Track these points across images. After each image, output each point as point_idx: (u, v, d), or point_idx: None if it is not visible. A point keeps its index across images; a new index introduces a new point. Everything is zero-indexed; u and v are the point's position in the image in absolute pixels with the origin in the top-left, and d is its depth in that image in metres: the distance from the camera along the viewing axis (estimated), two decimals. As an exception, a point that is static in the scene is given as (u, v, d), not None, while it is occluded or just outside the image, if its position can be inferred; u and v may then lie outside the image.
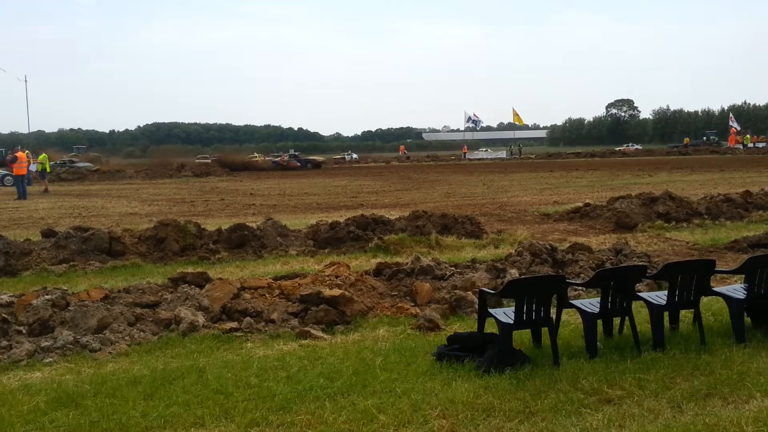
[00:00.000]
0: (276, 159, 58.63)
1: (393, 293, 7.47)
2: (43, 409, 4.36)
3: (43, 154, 30.54)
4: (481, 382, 4.70)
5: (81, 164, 48.12)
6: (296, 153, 63.89)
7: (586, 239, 11.23)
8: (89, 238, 10.26)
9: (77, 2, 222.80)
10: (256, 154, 64.53)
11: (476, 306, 6.24)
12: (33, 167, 28.72)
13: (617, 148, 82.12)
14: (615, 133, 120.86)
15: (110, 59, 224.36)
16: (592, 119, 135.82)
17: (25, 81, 70.04)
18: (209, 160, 55.83)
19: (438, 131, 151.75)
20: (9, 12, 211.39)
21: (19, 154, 25.10)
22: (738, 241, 10.53)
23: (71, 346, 5.70)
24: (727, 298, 5.79)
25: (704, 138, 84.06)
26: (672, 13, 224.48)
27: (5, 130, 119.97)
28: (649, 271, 6.09)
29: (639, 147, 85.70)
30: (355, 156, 78.03)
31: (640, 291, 6.35)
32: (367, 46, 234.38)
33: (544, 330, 5.38)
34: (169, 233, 10.64)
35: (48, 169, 30.05)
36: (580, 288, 7.24)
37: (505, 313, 5.30)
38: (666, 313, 5.73)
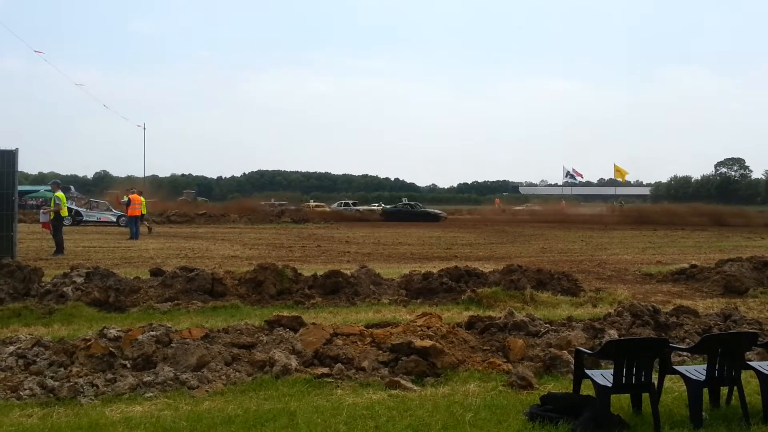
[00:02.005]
0: None
1: (485, 347, 7.35)
2: (142, 442, 4.55)
3: (141, 198, 32.52)
4: (576, 446, 4.52)
5: (359, 207, 58.48)
6: None
7: (691, 302, 10.66)
8: (194, 278, 10.74)
9: (198, 55, 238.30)
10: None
11: (572, 366, 6.04)
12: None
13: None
14: (725, 192, 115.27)
15: (221, 109, 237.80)
16: (699, 177, 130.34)
17: (144, 128, 74.91)
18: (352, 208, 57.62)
19: (535, 185, 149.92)
20: (130, 61, 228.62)
21: (133, 196, 26.65)
22: None
23: (171, 382, 5.93)
24: None
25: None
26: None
27: (123, 174, 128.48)
28: (760, 339, 5.72)
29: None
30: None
31: (750, 360, 5.96)
32: (466, 100, 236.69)
33: (645, 396, 5.13)
34: (267, 277, 10.98)
35: (144, 212, 31.72)
36: (684, 353, 6.86)
37: (603, 375, 5.10)
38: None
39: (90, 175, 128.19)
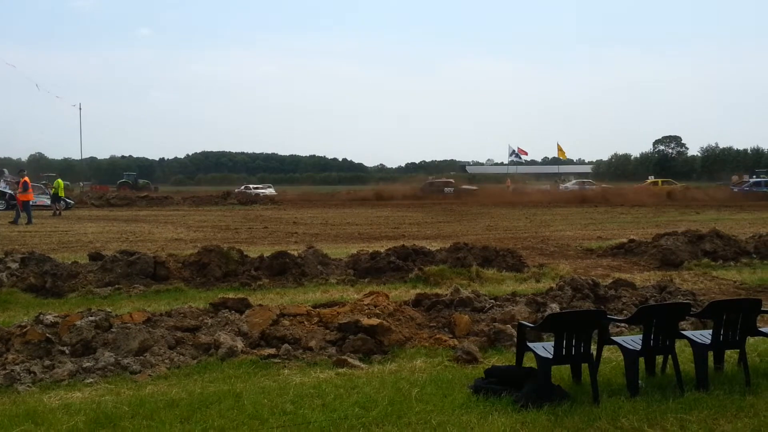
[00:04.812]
0: None
1: (431, 324, 7.43)
2: (81, 429, 4.44)
3: (58, 180, 31.76)
4: (519, 416, 4.63)
5: (266, 190, 54.94)
6: None
7: (629, 275, 11.00)
8: (135, 262, 10.50)
9: (133, 33, 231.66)
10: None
11: (515, 340, 6.16)
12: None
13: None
14: (662, 169, 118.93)
15: (162, 89, 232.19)
16: (639, 155, 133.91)
17: (80, 108, 72.11)
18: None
19: (482, 164, 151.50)
20: (65, 39, 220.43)
21: (27, 179, 25.71)
22: (789, 281, 10.21)
23: (112, 367, 5.81)
24: (775, 339, 5.61)
25: (754, 176, 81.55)
26: (721, 49, 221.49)
27: (59, 156, 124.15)
28: (693, 309, 5.94)
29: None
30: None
31: (684, 329, 6.19)
32: (414, 80, 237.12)
33: (584, 366, 5.27)
34: (212, 259, 10.82)
35: (61, 194, 31.02)
36: (622, 324, 7.09)
37: (545, 348, 5.22)
38: (711, 353, 5.57)
39: (24, 157, 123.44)
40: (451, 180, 56.64)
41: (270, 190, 56.40)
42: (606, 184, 62.33)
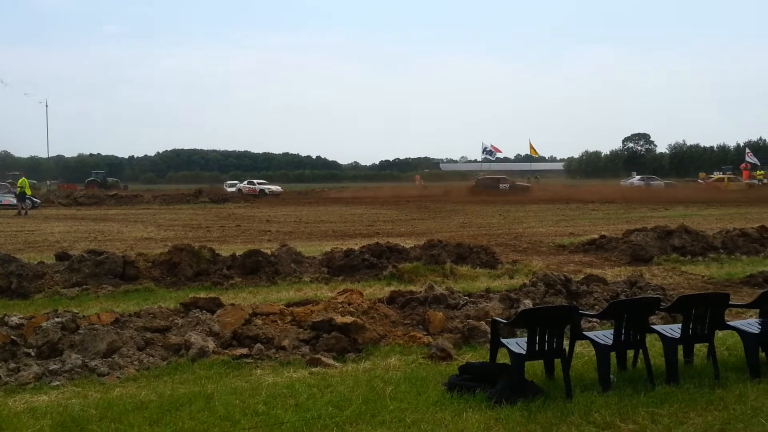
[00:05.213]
0: None
1: (406, 322, 7.41)
2: (48, 433, 4.34)
3: (23, 178, 31.24)
4: (492, 413, 4.63)
5: (272, 186, 56.48)
6: None
7: (601, 271, 11.11)
8: (103, 261, 10.30)
9: (100, 29, 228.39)
10: None
11: (489, 336, 6.17)
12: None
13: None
14: (631, 166, 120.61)
15: (132, 85, 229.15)
16: (609, 152, 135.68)
17: (46, 105, 70.86)
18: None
19: (455, 162, 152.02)
20: (32, 36, 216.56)
21: None
22: (754, 275, 10.41)
23: (79, 369, 5.68)
24: (742, 333, 5.70)
25: (719, 173, 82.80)
26: (689, 48, 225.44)
27: (25, 154, 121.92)
28: (663, 303, 6.00)
29: None
30: None
31: (654, 324, 6.25)
32: (388, 78, 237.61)
33: (557, 361, 5.30)
34: (183, 258, 10.67)
35: (28, 192, 30.58)
36: (593, 320, 7.14)
37: (518, 344, 5.23)
38: (680, 347, 5.64)
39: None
40: (505, 176, 55.97)
41: (276, 188, 57.40)
42: (669, 180, 60.84)
